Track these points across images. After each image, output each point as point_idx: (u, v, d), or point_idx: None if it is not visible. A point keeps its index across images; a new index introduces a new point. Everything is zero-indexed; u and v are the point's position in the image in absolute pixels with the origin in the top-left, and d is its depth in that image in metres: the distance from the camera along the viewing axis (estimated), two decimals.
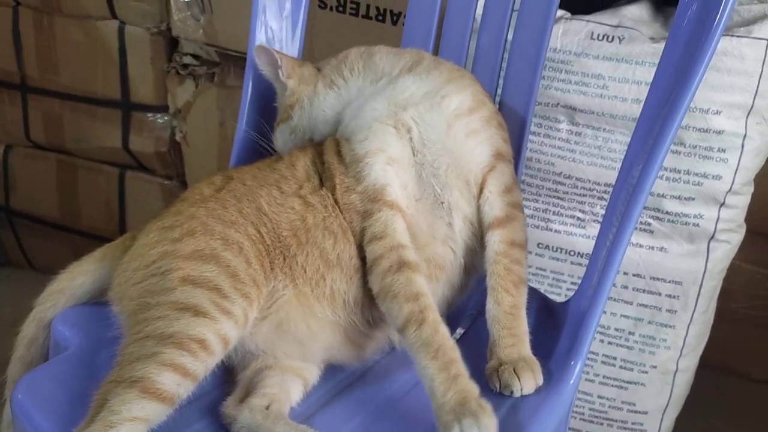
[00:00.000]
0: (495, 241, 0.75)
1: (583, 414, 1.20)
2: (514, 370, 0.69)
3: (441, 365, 0.65)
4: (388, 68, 0.82)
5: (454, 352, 0.66)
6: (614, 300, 1.13)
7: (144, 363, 0.62)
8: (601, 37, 1.03)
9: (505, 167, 0.79)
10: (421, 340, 0.66)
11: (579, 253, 1.12)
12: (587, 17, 1.06)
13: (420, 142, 0.76)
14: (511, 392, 0.69)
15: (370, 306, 0.73)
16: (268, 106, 0.94)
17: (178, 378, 0.62)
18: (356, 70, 0.84)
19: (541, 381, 0.70)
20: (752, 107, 1.00)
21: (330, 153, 0.79)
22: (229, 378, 0.75)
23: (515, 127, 0.89)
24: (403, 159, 0.76)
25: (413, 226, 0.75)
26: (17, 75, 1.60)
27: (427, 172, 0.76)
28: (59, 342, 0.77)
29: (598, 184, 1.08)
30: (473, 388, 0.64)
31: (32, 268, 1.83)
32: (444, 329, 0.67)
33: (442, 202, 0.76)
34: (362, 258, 0.74)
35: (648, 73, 1.00)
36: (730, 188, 1.04)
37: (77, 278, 0.80)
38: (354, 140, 0.77)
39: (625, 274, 1.11)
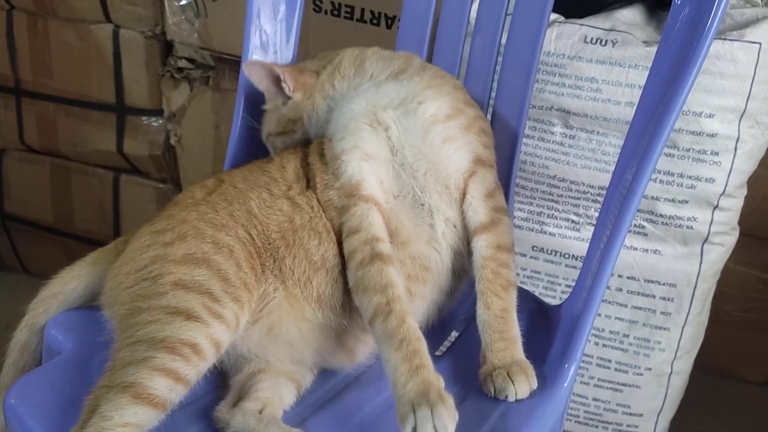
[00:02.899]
0: (481, 246, 0.76)
1: (578, 416, 1.20)
2: (507, 374, 0.69)
3: (404, 356, 0.64)
4: (375, 74, 0.83)
5: (419, 344, 0.65)
6: (608, 302, 1.13)
7: (136, 368, 0.62)
8: (594, 41, 1.04)
9: (487, 172, 0.79)
10: (387, 331, 0.66)
11: (573, 255, 1.13)
12: (581, 21, 1.06)
13: (399, 143, 0.77)
14: (506, 397, 0.69)
15: (359, 310, 0.73)
16: (262, 110, 0.94)
17: (171, 383, 0.62)
18: (347, 78, 0.85)
19: (535, 385, 0.70)
20: (745, 110, 1.00)
21: (313, 154, 0.80)
22: (222, 382, 0.75)
23: (509, 130, 0.89)
24: (379, 155, 0.76)
25: (394, 221, 0.75)
26: (11, 78, 1.60)
27: (407, 172, 0.76)
28: (52, 346, 0.77)
29: (592, 187, 1.08)
30: (436, 380, 0.63)
31: (26, 272, 1.82)
32: (411, 320, 0.67)
33: (422, 204, 0.76)
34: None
35: (641, 77, 1.00)
36: (724, 191, 1.04)
37: (69, 283, 0.80)
38: (334, 139, 0.78)
39: (620, 276, 1.11)
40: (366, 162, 0.75)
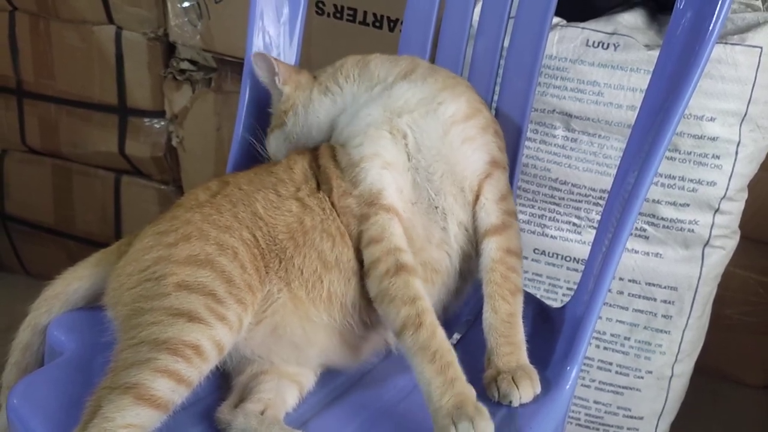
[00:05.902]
0: (491, 248, 0.76)
1: (579, 419, 1.20)
2: (512, 379, 0.69)
3: (438, 369, 0.65)
4: (383, 75, 0.83)
5: (451, 356, 0.66)
6: (610, 305, 1.13)
7: (138, 369, 0.62)
8: (596, 44, 1.04)
9: (501, 175, 0.79)
10: (418, 343, 0.66)
11: (575, 258, 1.13)
12: (583, 24, 1.06)
13: (415, 147, 0.77)
14: (510, 402, 0.69)
15: (367, 308, 0.73)
16: (265, 112, 0.94)
17: (173, 384, 0.62)
18: (351, 77, 0.84)
19: (539, 390, 0.70)
20: (746, 114, 1.00)
21: (325, 157, 0.79)
22: (224, 383, 0.75)
23: (511, 133, 0.90)
24: (399, 163, 0.76)
25: (410, 230, 0.75)
26: (13, 79, 1.60)
27: (422, 177, 0.76)
28: (54, 347, 0.77)
29: (594, 190, 1.08)
30: (470, 392, 0.64)
31: (27, 274, 1.82)
32: (441, 332, 0.68)
33: (436, 207, 0.76)
34: (360, 261, 0.74)
35: (643, 80, 1.01)
36: (725, 194, 1.04)
37: (72, 284, 0.80)
38: (349, 145, 0.78)
39: (621, 279, 1.11)
40: (386, 170, 0.75)
